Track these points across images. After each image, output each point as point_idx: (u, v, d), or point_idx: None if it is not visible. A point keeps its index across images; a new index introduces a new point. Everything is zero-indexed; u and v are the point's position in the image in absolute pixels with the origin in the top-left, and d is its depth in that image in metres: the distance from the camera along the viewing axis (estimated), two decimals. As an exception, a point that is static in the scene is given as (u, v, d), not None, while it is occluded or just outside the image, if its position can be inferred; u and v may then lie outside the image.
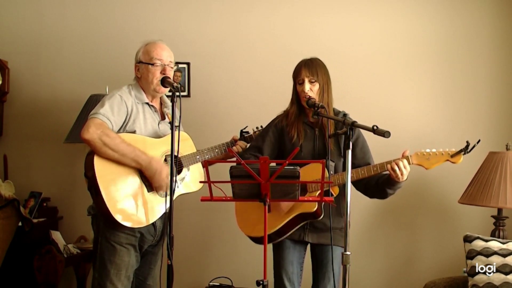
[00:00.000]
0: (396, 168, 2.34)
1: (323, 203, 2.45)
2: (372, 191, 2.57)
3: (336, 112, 2.65)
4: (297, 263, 2.61)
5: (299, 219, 2.50)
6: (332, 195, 2.43)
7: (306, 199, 2.36)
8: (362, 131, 2.43)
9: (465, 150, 2.35)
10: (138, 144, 2.42)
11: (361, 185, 2.59)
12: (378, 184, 2.50)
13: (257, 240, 2.56)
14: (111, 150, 2.33)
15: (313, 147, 2.58)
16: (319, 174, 2.37)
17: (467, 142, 2.35)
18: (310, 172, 2.45)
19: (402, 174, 2.35)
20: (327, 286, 2.57)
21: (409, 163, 2.38)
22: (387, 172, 2.40)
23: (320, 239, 2.57)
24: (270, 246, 2.62)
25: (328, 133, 2.48)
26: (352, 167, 2.31)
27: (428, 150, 2.42)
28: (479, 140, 2.37)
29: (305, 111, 2.62)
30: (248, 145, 2.79)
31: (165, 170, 2.40)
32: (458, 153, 2.37)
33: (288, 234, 2.52)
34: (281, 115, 2.70)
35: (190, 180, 2.62)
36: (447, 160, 2.39)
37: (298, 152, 2.48)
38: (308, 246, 2.67)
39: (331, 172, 2.49)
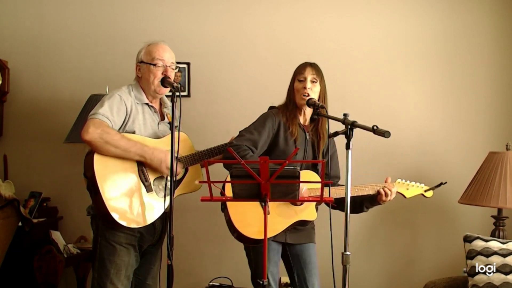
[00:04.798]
0: (389, 192, 2.53)
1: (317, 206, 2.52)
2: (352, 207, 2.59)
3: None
4: (277, 265, 2.65)
5: (294, 224, 2.52)
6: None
7: (306, 198, 2.36)
8: (362, 130, 2.43)
9: (436, 187, 2.65)
10: (137, 144, 2.42)
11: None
12: (357, 201, 2.60)
13: (246, 240, 2.50)
14: (113, 147, 2.33)
15: (303, 152, 2.60)
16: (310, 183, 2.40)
17: (441, 183, 2.62)
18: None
19: (390, 199, 2.55)
20: (315, 283, 2.61)
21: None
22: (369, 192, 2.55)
23: (299, 239, 2.62)
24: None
25: (328, 133, 2.48)
26: (326, 178, 2.48)
27: (408, 182, 2.64)
28: (445, 182, 2.61)
29: (298, 113, 2.61)
30: (241, 132, 2.63)
31: (169, 157, 2.35)
32: (430, 189, 2.66)
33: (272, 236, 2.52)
34: (276, 109, 2.63)
35: (189, 180, 2.62)
36: (421, 193, 2.66)
37: (290, 154, 2.47)
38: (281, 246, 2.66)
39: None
